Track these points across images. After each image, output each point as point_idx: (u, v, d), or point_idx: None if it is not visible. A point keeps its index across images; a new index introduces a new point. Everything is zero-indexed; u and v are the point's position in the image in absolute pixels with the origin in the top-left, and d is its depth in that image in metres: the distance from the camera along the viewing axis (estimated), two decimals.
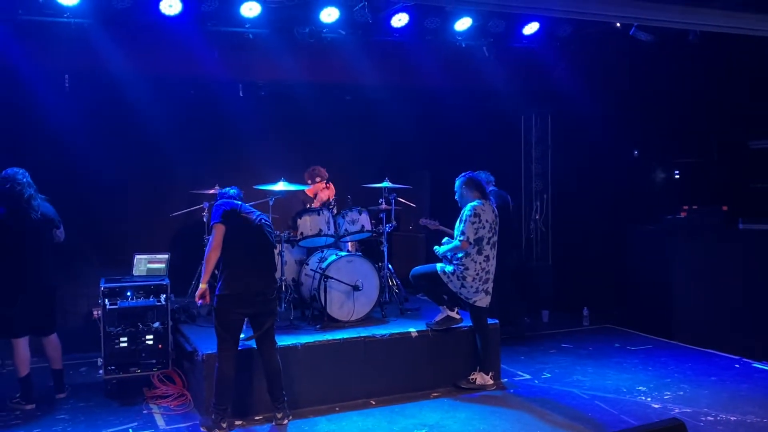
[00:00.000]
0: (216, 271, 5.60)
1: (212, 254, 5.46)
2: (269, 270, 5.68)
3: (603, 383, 6.81)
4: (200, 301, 5.59)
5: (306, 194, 8.03)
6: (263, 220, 5.68)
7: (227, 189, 5.88)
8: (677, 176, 9.49)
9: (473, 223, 6.38)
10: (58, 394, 6.42)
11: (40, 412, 6.08)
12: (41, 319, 6.25)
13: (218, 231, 5.49)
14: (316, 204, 7.83)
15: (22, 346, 6.14)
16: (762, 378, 6.92)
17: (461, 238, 6.39)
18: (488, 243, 6.47)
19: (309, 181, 8.02)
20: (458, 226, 6.47)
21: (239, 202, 5.73)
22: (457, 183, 6.67)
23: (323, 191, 8.06)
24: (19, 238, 6.05)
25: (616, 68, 9.30)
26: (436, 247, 6.69)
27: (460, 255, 6.46)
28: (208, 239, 5.71)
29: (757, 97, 8.21)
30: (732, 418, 5.80)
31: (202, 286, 5.56)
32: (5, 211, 6.03)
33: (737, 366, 7.33)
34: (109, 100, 8.03)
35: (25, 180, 6.08)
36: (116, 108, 8.08)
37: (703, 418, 5.81)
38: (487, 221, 6.45)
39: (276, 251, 5.88)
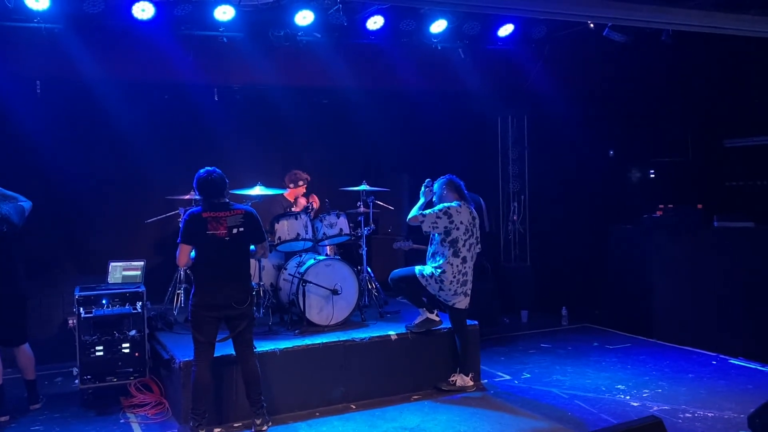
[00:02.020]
0: (191, 274, 5.59)
1: (179, 265, 5.63)
2: (240, 275, 5.55)
3: (582, 382, 6.83)
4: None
5: (285, 198, 7.97)
6: (238, 229, 5.44)
7: (202, 173, 5.53)
8: (653, 175, 9.57)
9: (438, 217, 6.38)
10: (32, 405, 6.30)
11: (14, 424, 5.97)
12: (10, 330, 6.13)
13: (181, 250, 5.43)
14: (296, 209, 7.78)
15: None
16: (739, 374, 6.98)
17: (421, 213, 6.40)
18: (464, 245, 6.46)
19: (290, 185, 7.97)
20: (428, 210, 6.48)
21: (214, 204, 5.47)
22: (436, 185, 6.67)
23: (303, 197, 8.03)
24: None
25: (590, 69, 9.37)
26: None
27: (440, 259, 6.45)
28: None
29: (731, 96, 8.31)
30: (710, 414, 5.84)
31: None
32: None
33: (714, 363, 7.39)
34: (82, 106, 7.93)
35: None
36: (89, 114, 7.98)
37: (682, 415, 5.85)
38: (461, 223, 6.44)
39: (262, 248, 5.73)
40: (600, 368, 7.30)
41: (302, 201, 8.01)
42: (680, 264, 8.26)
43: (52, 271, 7.84)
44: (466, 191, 6.70)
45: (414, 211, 6.51)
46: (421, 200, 6.61)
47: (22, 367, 6.25)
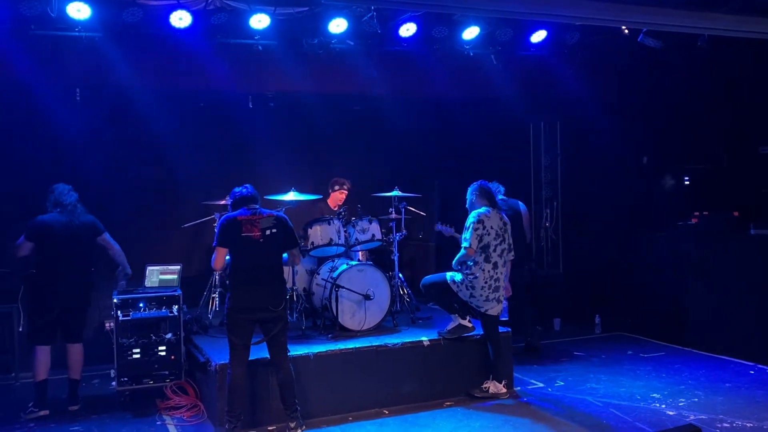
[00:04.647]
0: (226, 281, 5.66)
1: (216, 268, 5.76)
2: (274, 277, 5.61)
3: (617, 390, 6.77)
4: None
5: (328, 206, 8.02)
6: (271, 231, 5.54)
7: (238, 189, 5.74)
8: (687, 182, 9.46)
9: (476, 229, 6.39)
10: (71, 406, 6.41)
11: (53, 424, 6.09)
12: (77, 325, 6.42)
13: (218, 254, 5.58)
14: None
15: (45, 351, 6.25)
16: None
17: (465, 245, 6.41)
18: (495, 250, 6.46)
19: (336, 187, 8.04)
20: (463, 234, 6.49)
21: (247, 208, 5.57)
22: (468, 191, 6.70)
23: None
24: (59, 246, 6.25)
25: (624, 75, 9.31)
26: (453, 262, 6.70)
27: (470, 263, 6.46)
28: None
29: (767, 102, 8.19)
30: (748, 425, 5.75)
31: None
32: (50, 219, 6.25)
33: (752, 372, 7.28)
34: (120, 113, 8.09)
35: (58, 189, 6.35)
36: (127, 120, 8.14)
37: (719, 425, 5.76)
38: (492, 228, 6.44)
39: (293, 255, 5.75)
40: (634, 377, 7.23)
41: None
42: (715, 272, 8.14)
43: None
44: (497, 197, 6.69)
45: (461, 251, 6.44)
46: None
47: (72, 364, 6.41)
